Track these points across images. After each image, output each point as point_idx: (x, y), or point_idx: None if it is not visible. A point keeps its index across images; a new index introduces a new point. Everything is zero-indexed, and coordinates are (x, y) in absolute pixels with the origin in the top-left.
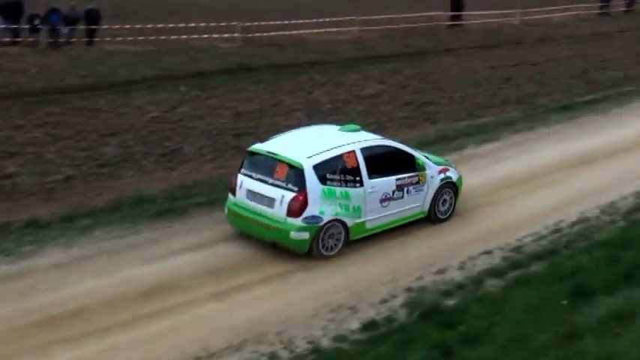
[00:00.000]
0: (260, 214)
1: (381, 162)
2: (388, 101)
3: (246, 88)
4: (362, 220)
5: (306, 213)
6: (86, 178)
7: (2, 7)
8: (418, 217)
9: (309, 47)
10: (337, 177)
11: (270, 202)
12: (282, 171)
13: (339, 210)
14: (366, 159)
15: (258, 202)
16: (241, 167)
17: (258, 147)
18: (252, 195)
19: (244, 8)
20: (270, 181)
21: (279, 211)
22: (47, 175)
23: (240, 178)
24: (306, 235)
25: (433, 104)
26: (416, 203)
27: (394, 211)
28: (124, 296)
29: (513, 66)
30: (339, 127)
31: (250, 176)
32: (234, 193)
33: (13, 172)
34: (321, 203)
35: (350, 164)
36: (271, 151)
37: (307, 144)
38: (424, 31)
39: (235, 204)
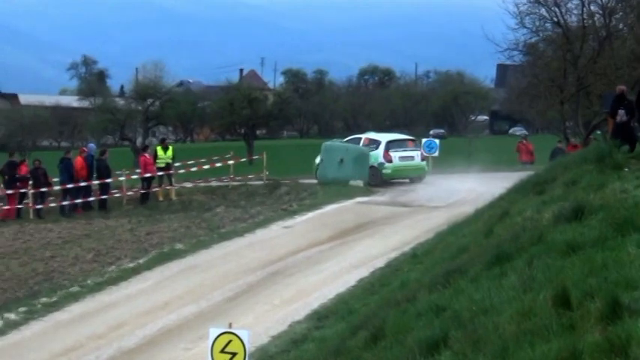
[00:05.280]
0: (409, 165)
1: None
2: None
3: None
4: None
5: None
6: None
7: None
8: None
9: None
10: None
11: (411, 158)
12: (412, 144)
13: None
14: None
15: (406, 161)
16: (387, 150)
17: (393, 137)
18: (402, 158)
19: None
20: (409, 149)
21: (417, 160)
22: None
23: (391, 154)
24: (426, 168)
25: None
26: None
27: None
28: None
29: None
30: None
31: (397, 150)
32: (390, 161)
33: None
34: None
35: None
36: (402, 137)
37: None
38: None
39: (394, 166)
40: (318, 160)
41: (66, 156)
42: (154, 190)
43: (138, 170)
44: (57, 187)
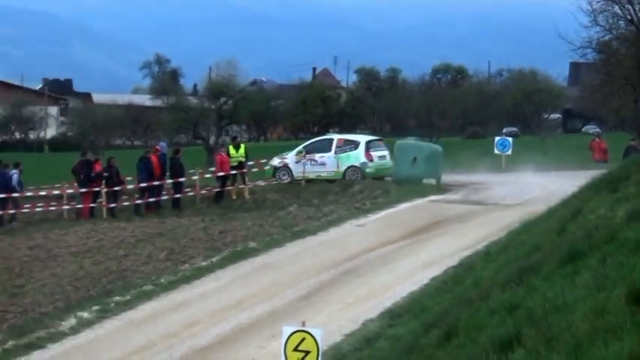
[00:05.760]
0: (385, 164)
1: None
2: None
3: None
4: None
5: None
6: None
7: None
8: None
9: None
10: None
11: (385, 157)
12: (381, 143)
13: None
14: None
15: (382, 160)
16: (367, 150)
17: (370, 138)
18: (379, 157)
19: None
20: (382, 148)
21: (388, 159)
22: None
23: (372, 153)
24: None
25: None
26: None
27: None
28: None
29: None
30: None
31: (375, 150)
32: (372, 161)
33: None
34: None
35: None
36: (378, 137)
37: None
38: None
39: (375, 165)
40: (275, 162)
41: (146, 155)
42: (227, 188)
43: (211, 169)
44: (130, 186)
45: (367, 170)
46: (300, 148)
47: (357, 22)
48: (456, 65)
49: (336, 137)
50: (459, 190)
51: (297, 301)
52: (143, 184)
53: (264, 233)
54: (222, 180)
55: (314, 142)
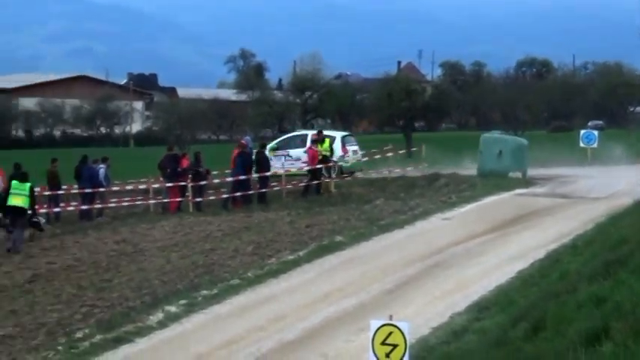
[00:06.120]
0: (358, 158)
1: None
2: None
3: None
4: None
5: None
6: None
7: None
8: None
9: None
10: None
11: (357, 152)
12: (353, 139)
13: None
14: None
15: (355, 154)
16: (343, 145)
17: (344, 134)
18: (352, 152)
19: None
20: (354, 143)
21: (360, 154)
22: None
23: (347, 148)
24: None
25: None
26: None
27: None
28: None
29: None
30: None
31: (350, 145)
32: (348, 155)
33: None
34: None
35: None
36: (349, 133)
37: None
38: None
39: (351, 161)
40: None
41: (245, 150)
42: (314, 182)
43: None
44: (216, 180)
45: (344, 165)
46: (273, 144)
47: (442, 16)
48: (540, 59)
49: (310, 133)
50: (545, 184)
51: (384, 294)
52: (230, 179)
53: (351, 227)
54: (313, 174)
55: (287, 138)
